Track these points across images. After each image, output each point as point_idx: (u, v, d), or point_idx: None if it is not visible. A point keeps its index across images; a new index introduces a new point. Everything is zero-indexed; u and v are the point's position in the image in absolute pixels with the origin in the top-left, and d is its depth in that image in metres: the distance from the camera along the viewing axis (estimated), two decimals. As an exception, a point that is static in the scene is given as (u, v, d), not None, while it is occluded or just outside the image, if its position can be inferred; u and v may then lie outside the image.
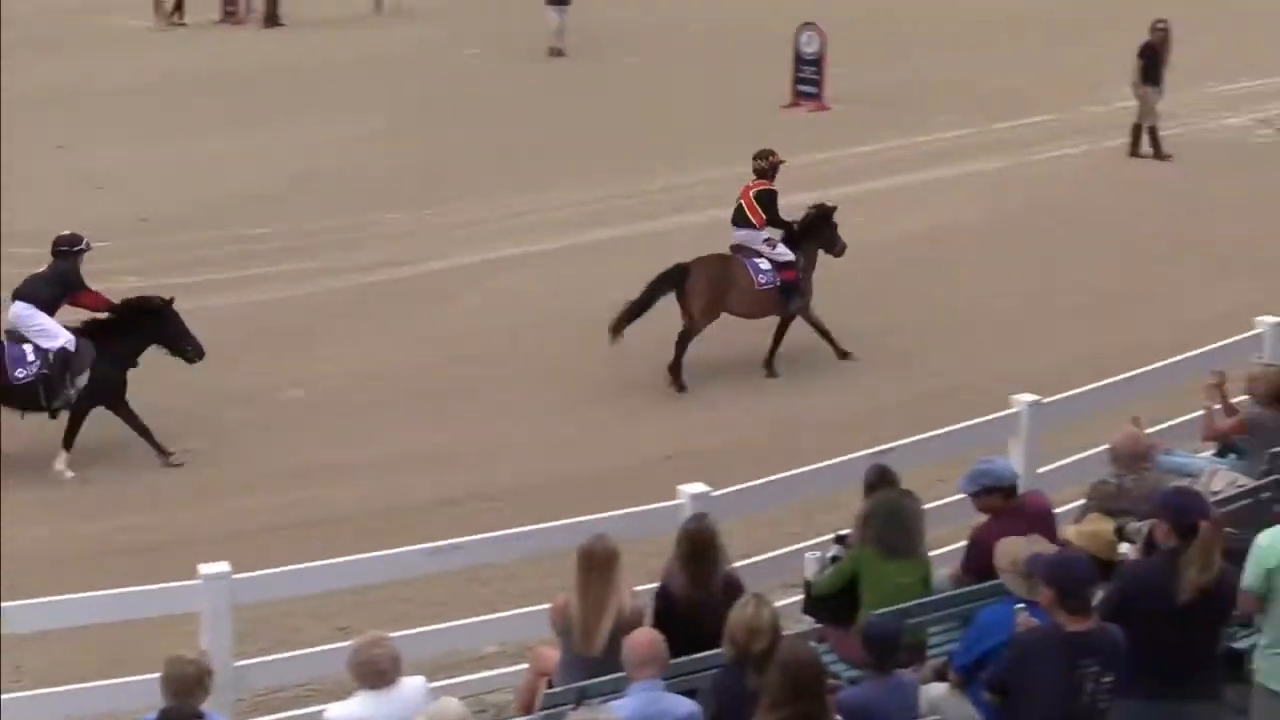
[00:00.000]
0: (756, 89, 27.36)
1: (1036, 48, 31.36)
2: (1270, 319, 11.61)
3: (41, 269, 13.31)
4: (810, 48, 26.69)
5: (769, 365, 15.09)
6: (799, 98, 26.77)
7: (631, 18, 34.96)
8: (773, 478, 9.80)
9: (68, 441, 13.03)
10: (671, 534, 7.99)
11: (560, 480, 13.02)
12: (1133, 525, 7.91)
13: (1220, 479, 9.18)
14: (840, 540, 8.31)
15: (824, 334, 15.22)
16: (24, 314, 13.05)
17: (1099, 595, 6.97)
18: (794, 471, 9.75)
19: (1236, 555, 7.27)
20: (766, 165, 15.26)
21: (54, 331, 13.04)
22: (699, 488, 8.89)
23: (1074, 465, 10.40)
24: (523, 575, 10.78)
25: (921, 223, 20.06)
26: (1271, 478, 8.78)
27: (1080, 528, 8.01)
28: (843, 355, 15.29)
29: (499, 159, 22.83)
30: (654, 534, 8.80)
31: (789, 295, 15.00)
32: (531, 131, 24.47)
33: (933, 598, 7.88)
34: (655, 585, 7.87)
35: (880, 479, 8.31)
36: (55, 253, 13.27)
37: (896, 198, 21.24)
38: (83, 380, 12.99)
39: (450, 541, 8.78)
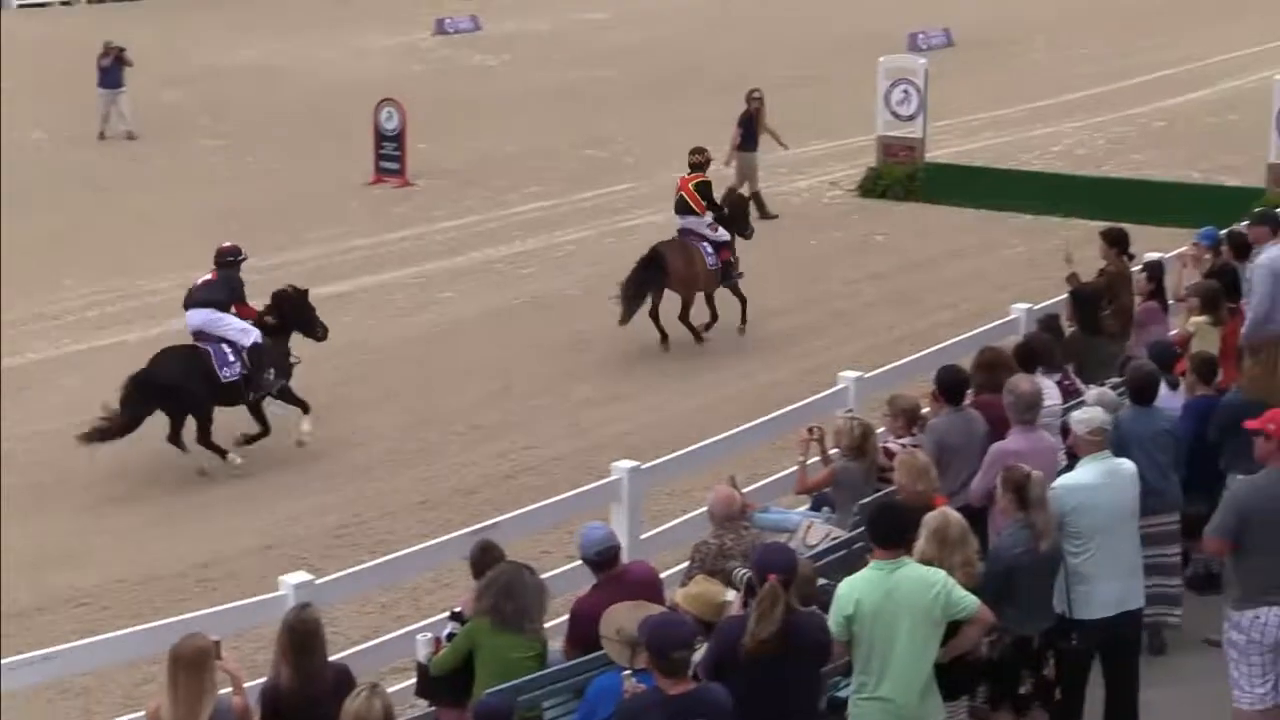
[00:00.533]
0: (338, 166, 27.40)
1: (621, 115, 32.40)
2: (851, 374, 12.31)
3: (206, 276, 15.00)
4: (390, 124, 26.91)
5: (699, 338, 17.99)
6: (381, 174, 26.92)
7: (203, 98, 34.50)
8: (373, 561, 9.78)
9: (303, 407, 15.22)
10: (276, 626, 7.87)
11: (150, 578, 12.65)
12: (739, 572, 8.14)
13: (815, 532, 9.63)
14: (456, 617, 8.33)
15: (744, 302, 18.24)
16: (211, 318, 14.75)
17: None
18: (395, 554, 9.75)
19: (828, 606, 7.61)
20: (702, 160, 18.23)
21: (247, 329, 14.75)
22: (301, 576, 8.79)
23: (677, 528, 10.69)
24: (114, 683, 10.41)
25: (504, 299, 20.43)
26: (860, 529, 9.25)
27: (687, 591, 8.20)
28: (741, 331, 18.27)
29: (51, 248, 22.16)
30: (257, 626, 8.63)
31: (727, 272, 17.96)
32: (93, 218, 23.80)
33: (545, 671, 7.94)
34: (263, 681, 7.73)
35: (484, 554, 8.38)
36: (220, 263, 15.05)
37: (482, 274, 21.58)
38: (271, 371, 14.77)
39: (40, 653, 8.37)
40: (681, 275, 17.48)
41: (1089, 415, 8.89)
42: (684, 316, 17.69)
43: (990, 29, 44.53)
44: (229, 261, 15.08)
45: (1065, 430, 9.65)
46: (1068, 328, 12.53)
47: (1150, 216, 21.69)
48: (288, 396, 15.15)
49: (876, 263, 21.58)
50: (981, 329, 13.75)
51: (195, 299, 14.87)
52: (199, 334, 14.79)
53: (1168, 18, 45.39)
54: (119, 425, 14.23)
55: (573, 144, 29.79)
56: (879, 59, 26.38)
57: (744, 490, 9.62)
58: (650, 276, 17.34)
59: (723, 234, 18.02)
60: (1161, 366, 10.55)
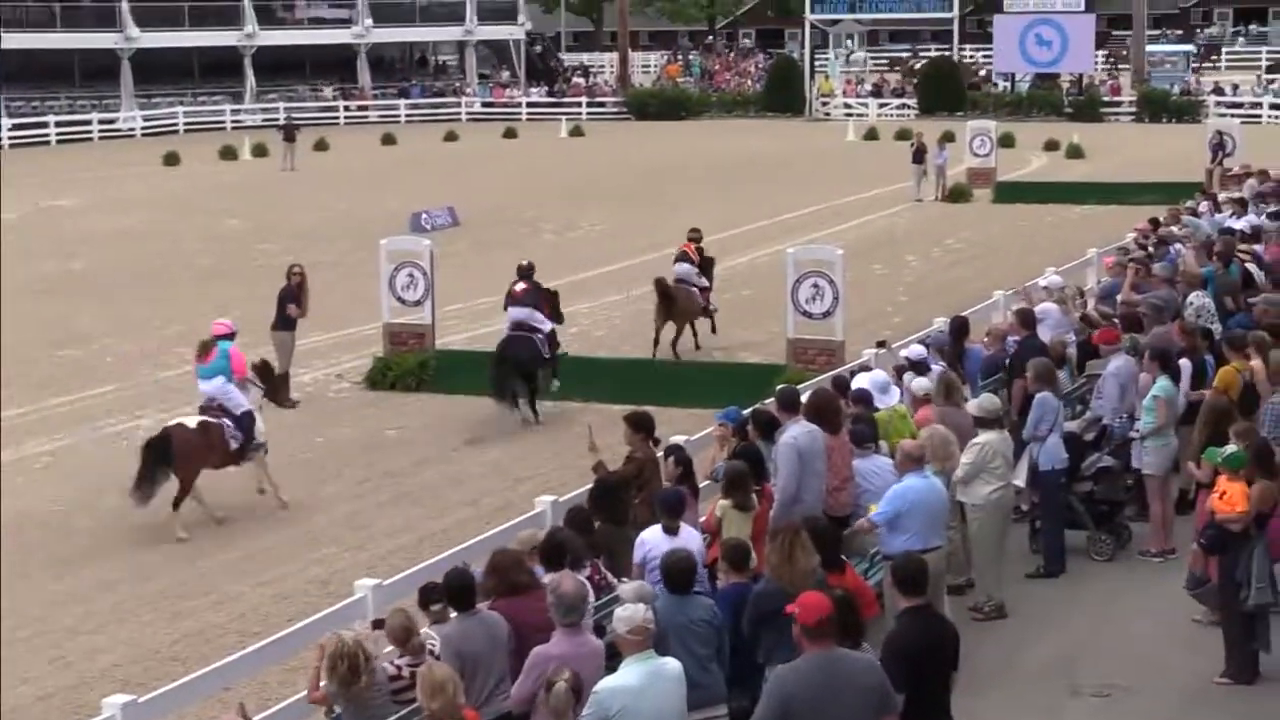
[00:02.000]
0: None
1: (102, 309, 31.47)
2: (369, 581, 12.13)
3: (519, 285, 22.81)
4: None
5: (674, 349, 26.10)
6: None
7: None
8: None
9: (532, 405, 22.66)
10: None
11: None
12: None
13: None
14: None
15: (695, 334, 26.94)
16: (528, 315, 22.50)
17: None
18: None
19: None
20: (699, 236, 28.00)
21: (548, 326, 22.62)
22: None
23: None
24: None
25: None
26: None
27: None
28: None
29: None
30: None
31: (706, 306, 26.95)
32: None
33: None
34: None
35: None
36: (524, 276, 23.02)
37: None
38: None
39: None
40: (680, 305, 26.22)
41: (630, 613, 9.00)
42: (677, 337, 26.22)
43: (496, 207, 45.80)
44: (530, 274, 23.47)
45: (599, 628, 9.76)
46: (596, 519, 12.75)
47: (673, 397, 22.46)
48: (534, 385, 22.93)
49: (390, 459, 21.53)
50: (505, 525, 13.85)
51: (517, 300, 22.90)
52: (519, 324, 22.63)
53: (665, 195, 47.80)
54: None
55: (49, 343, 28.74)
56: (381, 241, 26.58)
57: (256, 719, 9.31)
58: (665, 305, 26.04)
59: (703, 280, 26.85)
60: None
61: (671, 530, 11.73)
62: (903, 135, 58.81)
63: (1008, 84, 76.52)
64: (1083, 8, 74.82)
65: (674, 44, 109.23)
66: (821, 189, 47.62)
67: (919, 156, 45.53)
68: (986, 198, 45.43)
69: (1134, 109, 72.10)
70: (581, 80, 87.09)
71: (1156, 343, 16.74)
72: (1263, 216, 26.00)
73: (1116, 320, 18.31)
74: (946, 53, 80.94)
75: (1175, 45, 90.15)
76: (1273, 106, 68.70)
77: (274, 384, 20.31)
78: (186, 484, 18.25)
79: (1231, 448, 13.15)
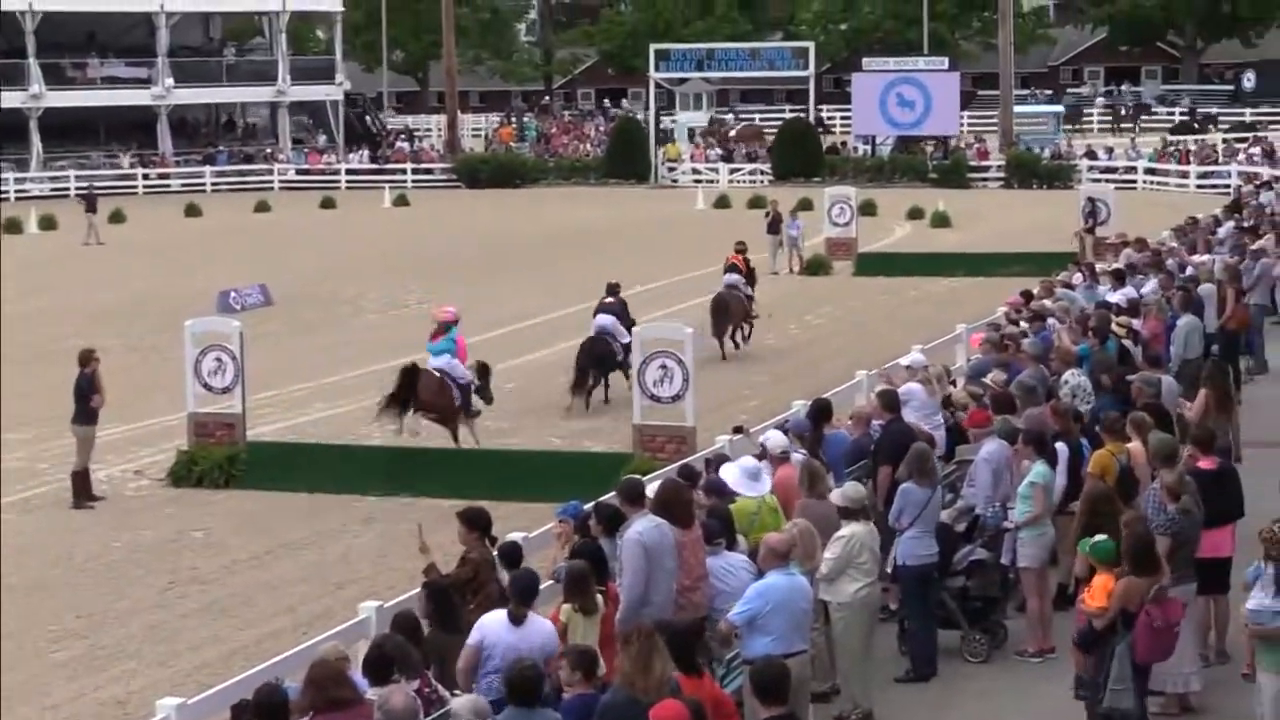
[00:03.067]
0: None
1: None
2: (172, 701, 11.94)
3: (609, 300, 29.68)
4: None
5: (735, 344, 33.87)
6: None
7: None
8: None
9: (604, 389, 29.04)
10: None
11: None
12: None
13: None
14: None
15: (743, 332, 34.31)
16: (612, 324, 28.85)
17: None
18: None
19: None
20: (745, 248, 36.00)
21: (626, 338, 27.38)
22: None
23: None
24: None
25: None
26: None
27: None
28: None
29: None
30: None
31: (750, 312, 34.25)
32: None
33: None
34: None
35: None
36: (611, 292, 30.03)
37: None
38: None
39: None
40: (735, 311, 33.50)
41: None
42: (722, 335, 33.43)
43: (313, 285, 45.58)
44: (617, 290, 30.77)
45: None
46: (427, 626, 12.67)
47: (511, 491, 22.41)
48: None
49: (197, 564, 21.24)
50: (324, 635, 13.72)
51: (606, 310, 29.62)
52: (604, 330, 29.03)
53: (499, 269, 47.93)
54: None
55: None
56: (186, 323, 26.31)
57: None
58: (721, 310, 33.22)
59: (748, 290, 34.53)
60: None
61: (518, 619, 11.69)
62: (756, 203, 59.50)
63: (868, 148, 77.75)
64: (946, 66, 76.38)
65: (507, 105, 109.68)
66: (669, 261, 47.97)
67: (774, 226, 46.07)
68: (847, 270, 46.09)
69: (1002, 174, 73.52)
70: (406, 145, 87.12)
71: (1031, 425, 17.03)
72: (1142, 289, 26.61)
73: (987, 401, 18.59)
74: (802, 114, 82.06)
75: (1044, 105, 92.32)
76: (1148, 172, 70.47)
77: (486, 382, 26.06)
78: (429, 407, 25.17)
79: (1101, 537, 13.38)
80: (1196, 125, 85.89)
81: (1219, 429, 17.91)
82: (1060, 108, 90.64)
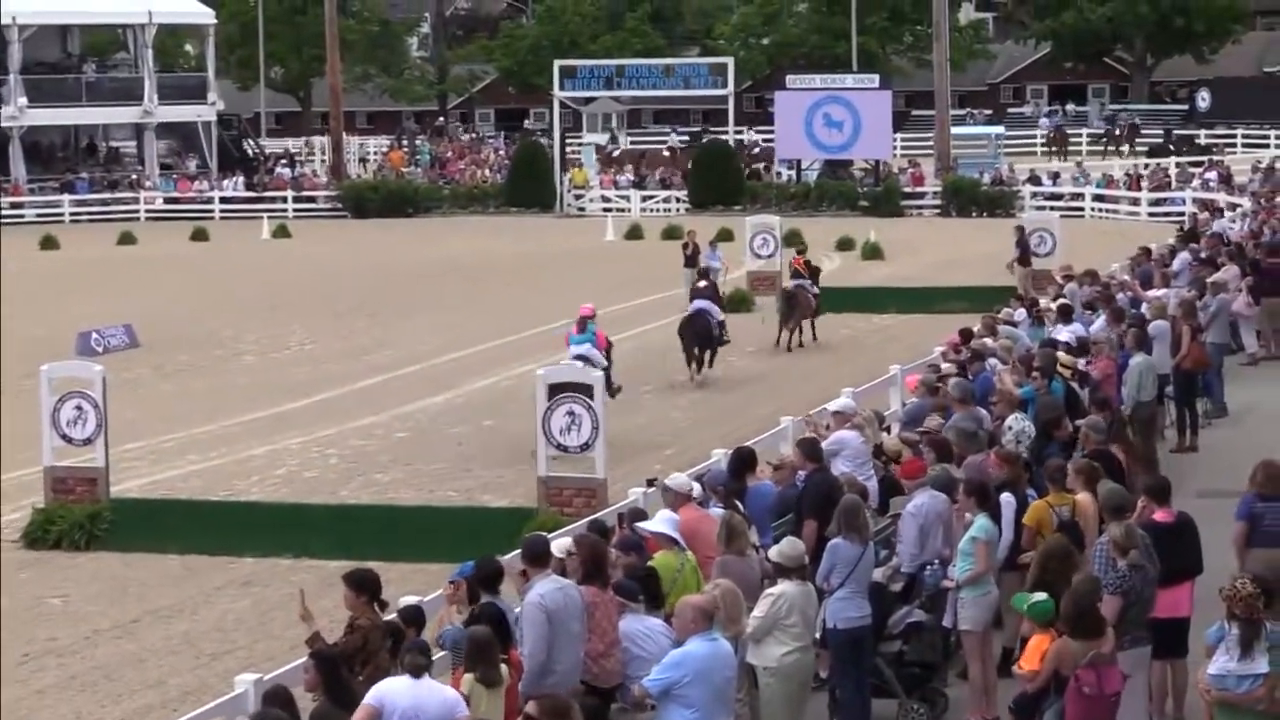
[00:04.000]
0: None
1: None
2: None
3: (702, 283, 36.77)
4: None
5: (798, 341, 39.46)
6: None
7: None
8: None
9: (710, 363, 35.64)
10: None
11: None
12: None
13: None
14: None
15: (813, 328, 40.32)
16: (708, 306, 35.33)
17: None
18: None
19: None
20: (805, 249, 43.60)
21: (720, 315, 35.56)
22: None
23: None
24: None
25: None
26: None
27: None
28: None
29: None
30: None
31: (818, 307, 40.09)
32: None
33: None
34: None
35: None
36: (704, 276, 38.21)
37: None
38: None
39: None
40: (802, 305, 39.28)
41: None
42: (797, 327, 39.45)
43: (184, 325, 45.34)
44: (710, 275, 39.82)
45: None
46: (313, 699, 12.62)
47: (403, 551, 22.37)
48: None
49: (55, 634, 21.06)
50: (197, 711, 13.64)
51: (702, 294, 36.21)
52: (701, 311, 35.41)
53: (389, 307, 47.88)
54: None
55: None
56: (42, 367, 26.13)
57: None
58: (788, 303, 39.25)
59: (813, 288, 40.25)
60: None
61: (418, 669, 11.71)
62: (672, 233, 59.68)
63: (792, 173, 78.11)
64: (877, 84, 76.84)
65: (398, 127, 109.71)
66: (577, 297, 47.86)
67: (692, 259, 46.20)
68: (771, 306, 46.29)
69: (939, 201, 73.99)
70: (286, 171, 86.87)
71: (972, 475, 17.14)
72: (1090, 326, 26.85)
73: (924, 449, 18.71)
74: (721, 136, 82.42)
75: (983, 126, 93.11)
76: (1096, 198, 71.12)
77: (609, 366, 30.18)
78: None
79: (1040, 596, 13.48)
80: (1172, 148, 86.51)
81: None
82: (1000, 128, 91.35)
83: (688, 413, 32.84)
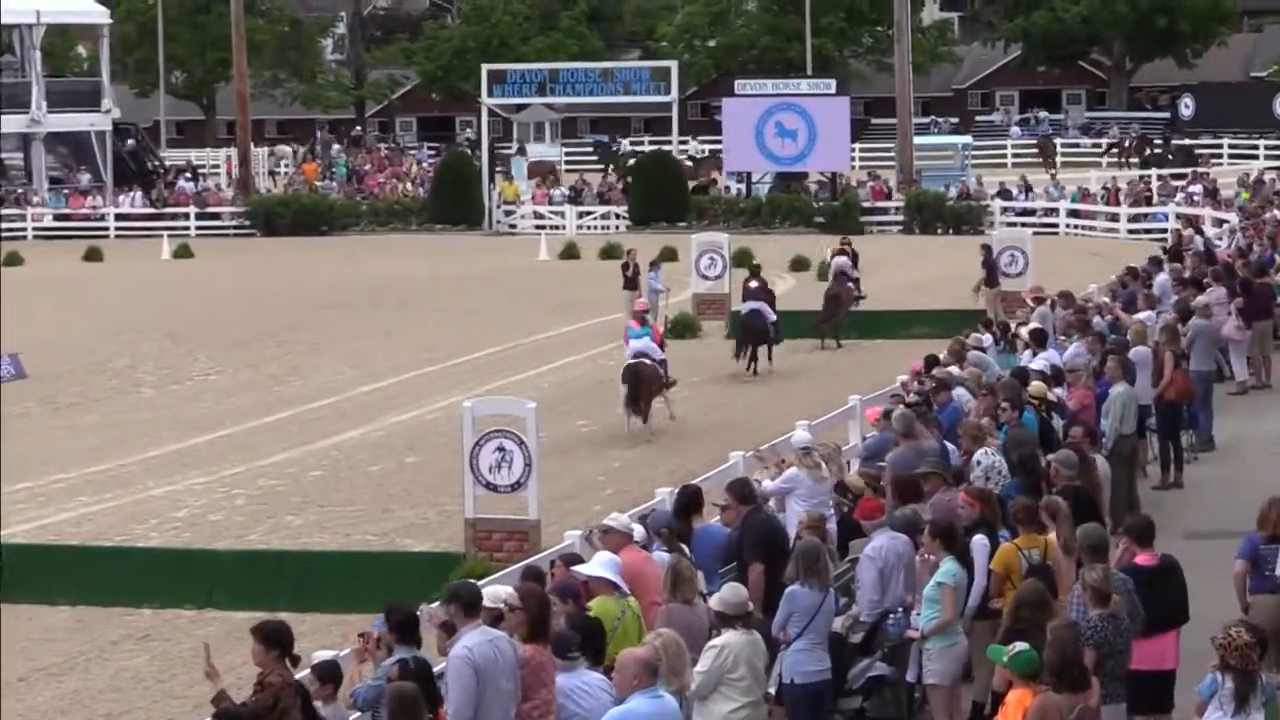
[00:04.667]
0: None
1: None
2: None
3: (753, 282, 40.76)
4: None
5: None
6: None
7: None
8: None
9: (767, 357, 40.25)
10: None
11: None
12: None
13: None
14: None
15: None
16: (761, 306, 39.83)
17: None
18: None
19: None
20: (849, 241, 49.94)
21: (773, 315, 40.10)
22: None
23: None
24: None
25: None
26: None
27: None
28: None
29: None
30: None
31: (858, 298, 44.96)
32: None
33: None
34: None
35: None
36: (755, 275, 41.88)
37: None
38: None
39: None
40: (845, 300, 43.76)
41: None
42: (836, 325, 43.80)
43: (75, 355, 45.12)
44: (761, 273, 43.71)
45: None
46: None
47: (318, 601, 22.30)
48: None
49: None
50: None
51: (755, 295, 40.13)
52: (756, 312, 39.60)
53: (302, 335, 47.81)
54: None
55: None
56: (-81, 402, 26.01)
57: None
58: (833, 296, 43.69)
59: (856, 273, 45.52)
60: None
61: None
62: (610, 253, 59.70)
63: (742, 187, 78.23)
64: (834, 90, 76.97)
65: (311, 136, 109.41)
66: (508, 323, 47.99)
67: (633, 280, 46.22)
68: (719, 331, 46.31)
69: (902, 217, 74.17)
70: (189, 185, 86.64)
71: (938, 515, 17.15)
72: (1064, 353, 26.89)
73: (886, 487, 18.73)
74: (665, 146, 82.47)
75: (949, 135, 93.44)
76: (1071, 214, 71.39)
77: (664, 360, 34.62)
78: (654, 392, 33.58)
79: (1021, 646, 13.51)
80: (1171, 158, 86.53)
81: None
82: (968, 138, 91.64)
83: (629, 448, 32.82)
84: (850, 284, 44.51)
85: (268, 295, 56.70)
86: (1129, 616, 14.90)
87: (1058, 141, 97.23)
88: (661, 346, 34.73)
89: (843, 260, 45.42)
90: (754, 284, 40.97)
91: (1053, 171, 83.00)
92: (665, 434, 33.91)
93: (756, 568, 16.77)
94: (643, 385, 33.45)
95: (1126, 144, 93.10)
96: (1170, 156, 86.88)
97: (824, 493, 19.57)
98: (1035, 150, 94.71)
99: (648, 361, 34.25)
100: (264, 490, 30.26)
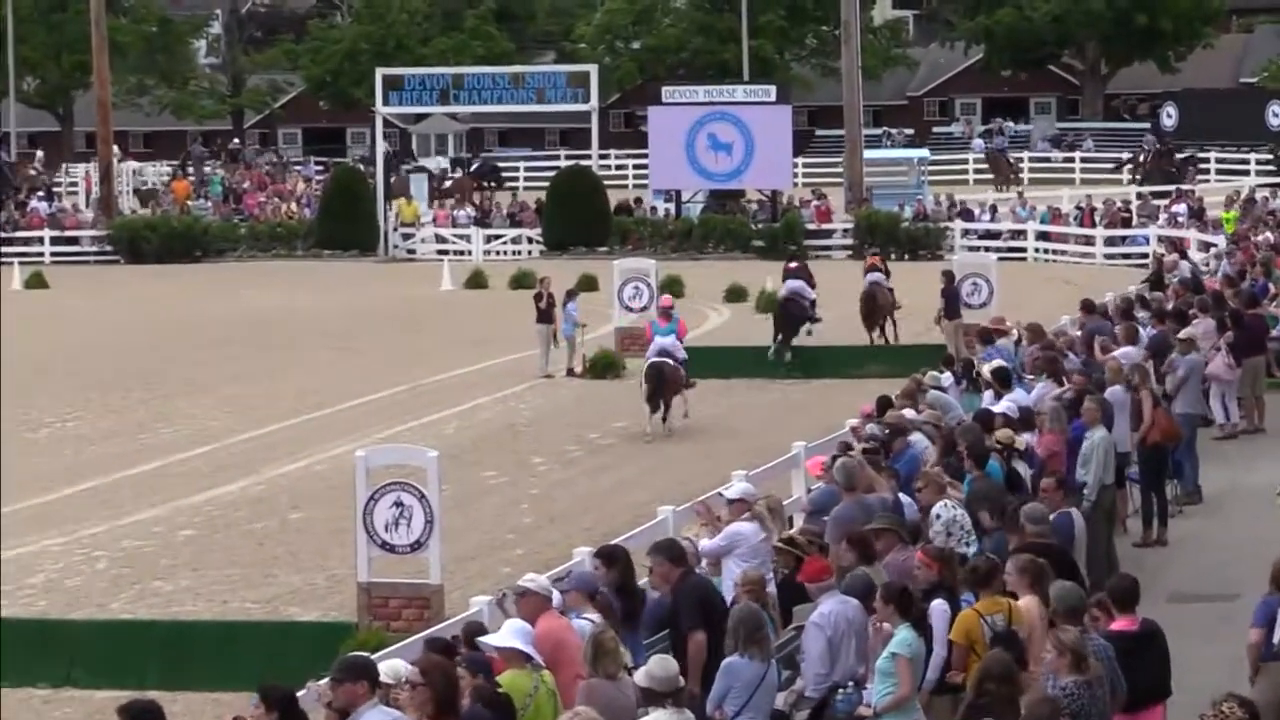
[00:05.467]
0: None
1: None
2: None
3: (793, 264, 49.66)
4: None
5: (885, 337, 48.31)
6: None
7: None
8: None
9: (787, 350, 45.95)
10: None
11: None
12: None
13: None
14: None
15: (894, 325, 48.70)
16: (801, 287, 47.45)
17: None
18: None
19: None
20: (878, 252, 57.95)
21: (813, 294, 47.91)
22: None
23: None
24: None
25: None
26: None
27: None
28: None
29: None
30: None
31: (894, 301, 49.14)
32: None
33: None
34: None
35: None
36: (794, 258, 52.43)
37: None
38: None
39: None
40: (881, 303, 47.53)
41: None
42: (877, 322, 47.83)
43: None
44: (799, 255, 56.12)
45: None
46: None
47: (192, 677, 22.21)
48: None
49: None
50: None
51: (795, 274, 47.96)
52: (796, 293, 46.58)
53: (170, 376, 47.64)
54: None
55: None
56: None
57: None
58: (871, 297, 47.57)
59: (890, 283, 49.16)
60: None
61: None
62: (522, 282, 59.69)
63: (670, 206, 78.16)
64: (774, 97, 77.01)
65: (182, 150, 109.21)
66: (406, 362, 47.91)
67: (547, 314, 46.20)
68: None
69: (851, 240, 74.10)
70: (43, 204, 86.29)
71: (892, 576, 17.16)
72: (1032, 394, 26.89)
73: (830, 545, 18.74)
74: (584, 162, 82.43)
75: (904, 149, 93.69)
76: (1041, 236, 71.58)
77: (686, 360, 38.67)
78: (675, 390, 37.53)
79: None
80: (1174, 170, 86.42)
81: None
82: (924, 151, 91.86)
83: (544, 502, 32.79)
84: (888, 288, 48.41)
85: (133, 330, 56.48)
86: (1110, 688, 14.95)
87: (1023, 156, 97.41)
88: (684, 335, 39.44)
89: (877, 276, 48.78)
90: (794, 264, 48.64)
91: (1019, 189, 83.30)
92: (583, 486, 33.88)
93: (697, 637, 16.76)
94: (665, 385, 37.73)
95: (1143, 158, 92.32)
96: (1174, 170, 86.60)
97: (766, 551, 19.57)
98: (986, 167, 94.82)
99: (670, 362, 38.13)
100: (129, 552, 30.09)
